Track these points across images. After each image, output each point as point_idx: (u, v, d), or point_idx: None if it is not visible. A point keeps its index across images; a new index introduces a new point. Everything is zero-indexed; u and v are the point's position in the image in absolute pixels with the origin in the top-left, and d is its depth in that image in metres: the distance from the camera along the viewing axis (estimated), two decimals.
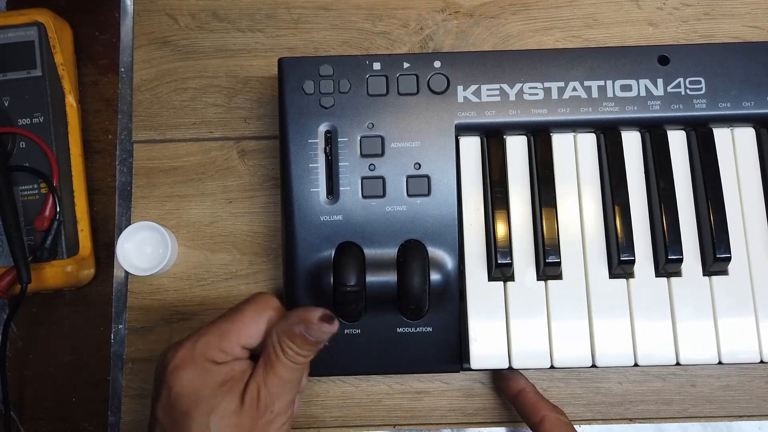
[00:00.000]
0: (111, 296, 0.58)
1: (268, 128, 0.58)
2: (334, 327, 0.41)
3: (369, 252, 0.50)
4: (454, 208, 0.51)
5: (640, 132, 0.53)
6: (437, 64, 0.52)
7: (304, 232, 0.51)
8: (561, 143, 0.53)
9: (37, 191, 0.56)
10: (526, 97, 0.52)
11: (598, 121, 0.52)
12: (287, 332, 0.42)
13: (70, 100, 0.59)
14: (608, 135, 0.52)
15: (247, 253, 0.57)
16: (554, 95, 0.52)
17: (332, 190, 0.51)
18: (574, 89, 0.52)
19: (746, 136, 0.53)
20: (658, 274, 0.51)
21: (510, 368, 0.49)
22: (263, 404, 0.41)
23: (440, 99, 0.52)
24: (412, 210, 0.51)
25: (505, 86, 0.52)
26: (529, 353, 0.49)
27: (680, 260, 0.49)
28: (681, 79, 0.52)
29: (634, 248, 0.50)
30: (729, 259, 0.49)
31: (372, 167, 0.51)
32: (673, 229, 0.50)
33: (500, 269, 0.50)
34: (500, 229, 0.50)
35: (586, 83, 0.52)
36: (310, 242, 0.51)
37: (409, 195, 0.51)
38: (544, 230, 0.50)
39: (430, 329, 0.50)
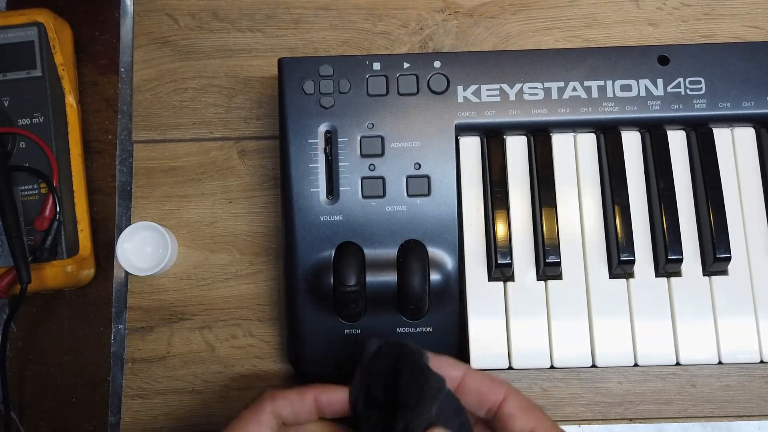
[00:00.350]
0: (111, 296, 0.58)
1: (268, 128, 0.58)
2: None
3: (369, 252, 0.50)
4: (454, 208, 0.51)
5: (640, 132, 0.53)
6: (437, 64, 0.52)
7: (304, 232, 0.51)
8: (561, 143, 0.53)
9: (37, 191, 0.56)
10: (526, 97, 0.52)
11: (598, 121, 0.52)
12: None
13: (70, 100, 0.59)
14: (608, 135, 0.52)
15: (247, 253, 0.56)
16: (554, 95, 0.52)
17: (332, 190, 0.51)
18: (574, 89, 0.52)
19: (746, 136, 0.53)
20: (658, 274, 0.51)
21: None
22: None
23: (440, 99, 0.52)
24: (412, 210, 0.51)
25: (505, 86, 0.52)
26: (529, 353, 0.50)
27: (680, 260, 0.49)
28: (681, 79, 0.52)
29: (634, 248, 0.50)
30: (729, 259, 0.49)
31: (372, 167, 0.51)
32: (673, 229, 0.50)
33: (500, 269, 0.50)
34: (500, 229, 0.50)
35: (586, 83, 0.52)
36: (310, 242, 0.50)
37: (409, 195, 0.51)
38: (544, 230, 0.50)
39: (430, 329, 0.50)
